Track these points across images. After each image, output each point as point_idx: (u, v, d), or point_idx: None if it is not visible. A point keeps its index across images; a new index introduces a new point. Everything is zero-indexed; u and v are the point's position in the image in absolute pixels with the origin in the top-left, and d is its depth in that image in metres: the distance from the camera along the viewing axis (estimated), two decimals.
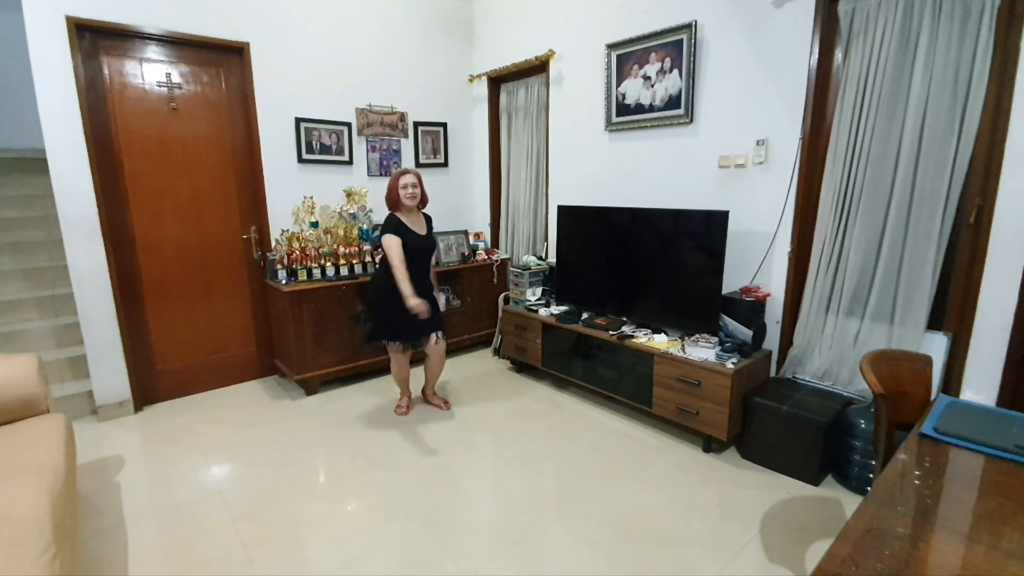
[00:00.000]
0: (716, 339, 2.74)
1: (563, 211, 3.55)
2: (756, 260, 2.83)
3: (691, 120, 2.99)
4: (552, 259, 3.90)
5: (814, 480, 2.35)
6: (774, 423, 2.43)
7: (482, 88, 4.46)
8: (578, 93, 3.64)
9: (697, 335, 2.80)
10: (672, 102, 3.06)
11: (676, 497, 2.30)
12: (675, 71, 3.01)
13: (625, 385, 2.98)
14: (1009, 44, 2.01)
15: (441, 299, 2.92)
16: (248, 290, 3.62)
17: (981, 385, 2.19)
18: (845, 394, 2.53)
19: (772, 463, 2.48)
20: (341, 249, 3.51)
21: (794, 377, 2.73)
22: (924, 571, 0.95)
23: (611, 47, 3.31)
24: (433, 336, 2.96)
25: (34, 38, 2.70)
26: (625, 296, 3.24)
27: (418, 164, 4.30)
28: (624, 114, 3.34)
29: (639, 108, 3.25)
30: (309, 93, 3.65)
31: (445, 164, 4.52)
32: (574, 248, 3.54)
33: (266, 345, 3.73)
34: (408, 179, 2.83)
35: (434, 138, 4.41)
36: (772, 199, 2.72)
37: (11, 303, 3.32)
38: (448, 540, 2.04)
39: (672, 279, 2.97)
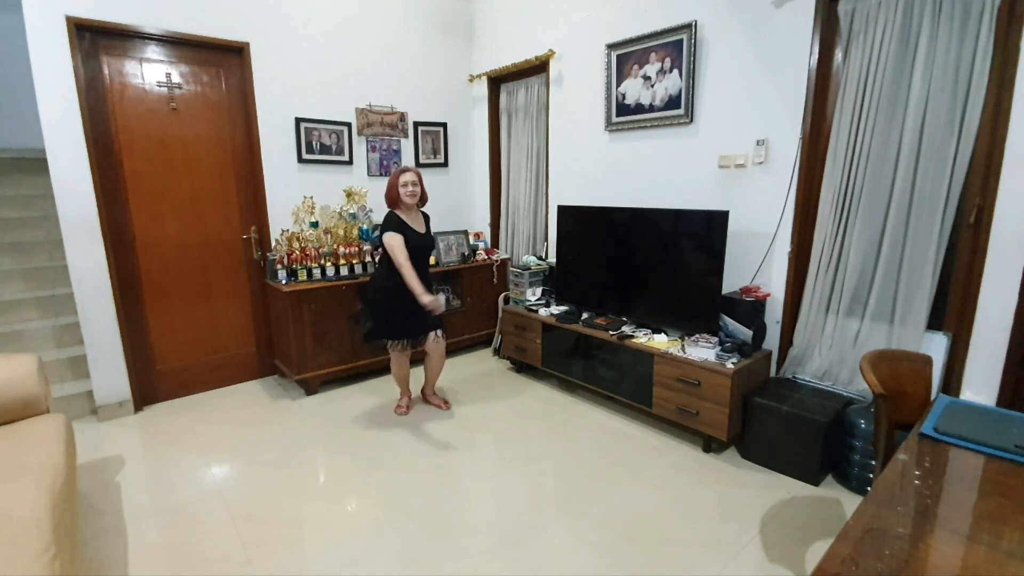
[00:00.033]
0: (716, 339, 2.74)
1: (563, 211, 3.55)
2: (756, 260, 2.83)
3: (691, 120, 2.99)
4: (552, 259, 3.90)
5: (814, 480, 2.35)
6: (774, 423, 2.43)
7: (482, 88, 4.46)
8: (578, 93, 3.64)
9: (697, 335, 2.80)
10: (672, 102, 3.06)
11: (676, 497, 2.30)
12: (675, 71, 3.01)
13: (625, 385, 2.98)
14: (1009, 44, 2.01)
15: (441, 299, 2.91)
16: (248, 290, 3.62)
17: (981, 385, 2.19)
18: (845, 394, 2.53)
19: (772, 463, 2.48)
20: (341, 249, 3.51)
21: (794, 377, 2.73)
22: (924, 571, 0.95)
23: (611, 47, 3.31)
24: (432, 335, 2.97)
25: (34, 38, 2.70)
26: (625, 296, 3.24)
27: (418, 164, 4.30)
28: (624, 114, 3.34)
29: (639, 108, 3.25)
30: (309, 93, 3.65)
31: (445, 164, 4.52)
32: (574, 248, 3.54)
33: (266, 345, 3.73)
34: (408, 177, 2.83)
35: (434, 138, 4.41)
36: (772, 199, 2.72)
37: (11, 303, 3.32)
38: (448, 540, 2.04)
39: (672, 279, 2.97)
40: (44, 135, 2.78)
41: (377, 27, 3.93)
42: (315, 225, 3.58)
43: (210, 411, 3.23)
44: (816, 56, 2.48)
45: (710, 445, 2.67)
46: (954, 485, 1.23)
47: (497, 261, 4.27)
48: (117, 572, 1.88)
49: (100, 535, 2.08)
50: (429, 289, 2.90)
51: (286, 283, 3.30)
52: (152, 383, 3.32)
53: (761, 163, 2.73)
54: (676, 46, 2.98)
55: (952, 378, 2.28)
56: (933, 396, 1.74)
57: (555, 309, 3.59)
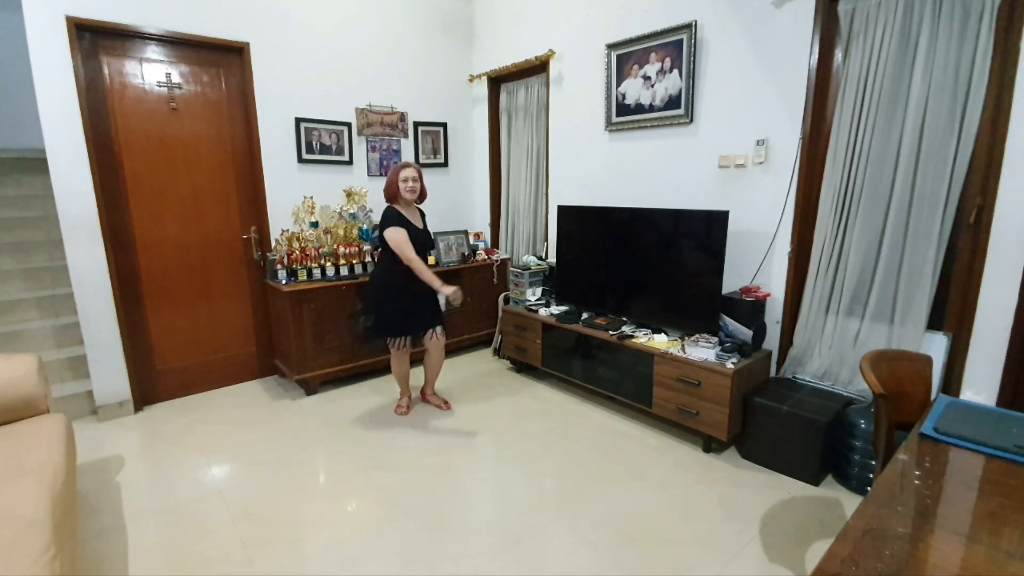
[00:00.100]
0: (716, 339, 2.74)
1: (563, 211, 3.55)
2: (756, 260, 2.83)
3: (691, 120, 2.99)
4: (552, 259, 3.90)
5: (814, 480, 2.35)
6: (774, 423, 2.43)
7: (482, 88, 4.46)
8: (578, 93, 3.64)
9: (697, 335, 2.80)
10: (672, 102, 3.06)
11: (676, 497, 2.30)
12: (675, 71, 3.01)
13: (625, 385, 2.98)
14: (1009, 44, 2.01)
15: (441, 299, 2.92)
16: (248, 290, 3.62)
17: (981, 385, 2.19)
18: (845, 394, 2.53)
19: (772, 463, 2.48)
20: (341, 249, 3.51)
21: (794, 377, 2.73)
22: (924, 571, 0.95)
23: (611, 47, 3.31)
24: (432, 332, 2.98)
25: (34, 38, 2.70)
26: (625, 296, 3.24)
27: (418, 164, 4.30)
28: (624, 114, 3.34)
29: (639, 108, 3.25)
30: (309, 93, 3.65)
31: (445, 164, 4.52)
32: (574, 248, 3.54)
33: (266, 345, 3.73)
34: (409, 172, 2.83)
35: (434, 138, 4.41)
36: (772, 199, 2.72)
37: (11, 303, 3.32)
38: (448, 540, 2.04)
39: (672, 279, 2.97)
40: (44, 135, 2.78)
41: (377, 27, 3.93)
42: (315, 225, 3.58)
43: (210, 411, 3.23)
44: (816, 56, 2.48)
45: (710, 445, 2.67)
46: (954, 485, 1.23)
47: (497, 261, 4.27)
48: (117, 572, 1.88)
49: (100, 535, 2.08)
50: (428, 285, 2.90)
51: (286, 283, 3.30)
52: (152, 383, 3.32)
53: (761, 163, 2.73)
54: (676, 46, 2.98)
55: (952, 378, 2.28)
56: (933, 396, 1.74)
57: (555, 309, 3.59)
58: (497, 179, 4.60)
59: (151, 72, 3.11)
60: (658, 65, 3.09)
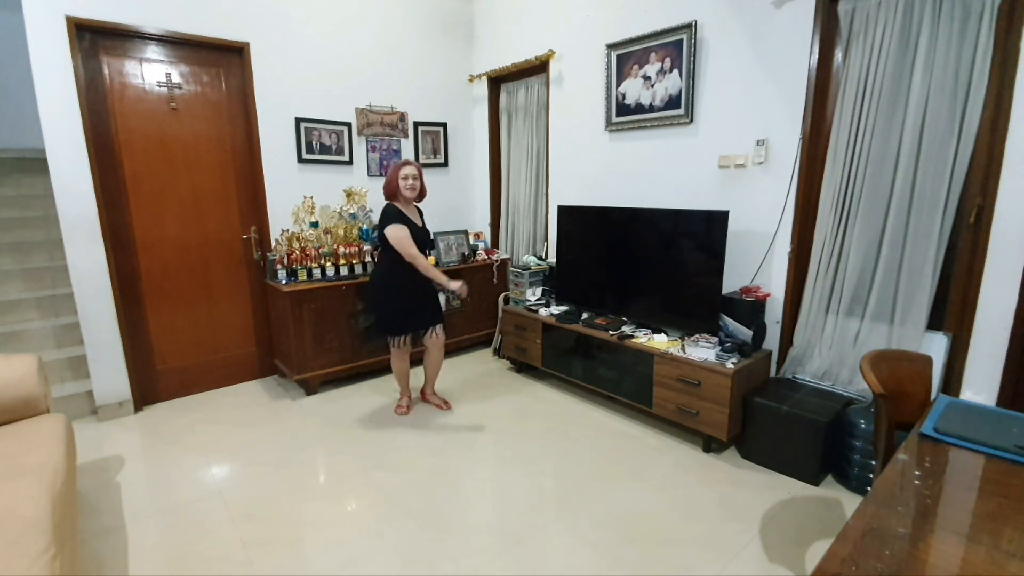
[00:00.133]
0: (716, 339, 2.74)
1: (563, 211, 3.55)
2: (756, 260, 2.83)
3: (691, 120, 2.99)
4: (552, 259, 3.90)
5: (814, 480, 2.35)
6: (774, 423, 2.43)
7: (482, 88, 4.46)
8: (578, 93, 3.64)
9: (697, 335, 2.80)
10: (672, 102, 3.06)
11: (676, 497, 2.30)
12: (675, 71, 3.01)
13: (625, 385, 2.98)
14: (1009, 44, 2.01)
15: (441, 299, 2.92)
16: (248, 290, 3.62)
17: (981, 385, 2.19)
18: (845, 394, 2.53)
19: (772, 463, 2.48)
20: (341, 249, 3.51)
21: (794, 377, 2.73)
22: (924, 571, 0.95)
23: (611, 47, 3.31)
24: (431, 331, 2.99)
25: (34, 38, 2.70)
26: (625, 296, 3.24)
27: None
28: (624, 114, 3.34)
29: (639, 108, 3.25)
30: (309, 93, 3.65)
31: (445, 164, 4.52)
32: (574, 248, 3.54)
33: (266, 345, 3.73)
34: (409, 170, 2.83)
35: (434, 138, 4.41)
36: (772, 199, 2.72)
37: (11, 303, 3.32)
38: (448, 540, 2.04)
39: (672, 279, 2.97)
40: (44, 135, 2.78)
41: (377, 27, 3.93)
42: (315, 225, 3.58)
43: (210, 411, 3.23)
44: (816, 56, 2.48)
45: (710, 445, 2.67)
46: (954, 485, 1.23)
47: (497, 261, 4.27)
48: (117, 572, 1.88)
49: (100, 535, 2.08)
50: (428, 284, 2.91)
51: (286, 283, 3.30)
52: (152, 383, 3.32)
53: (761, 163, 2.73)
54: (676, 46, 2.98)
55: (952, 378, 2.28)
56: (933, 396, 1.74)
57: (555, 309, 3.59)
58: (497, 179, 4.60)
59: (151, 72, 3.11)
60: (658, 65, 3.09)
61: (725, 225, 2.64)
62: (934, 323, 2.32)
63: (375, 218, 3.72)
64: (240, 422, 3.08)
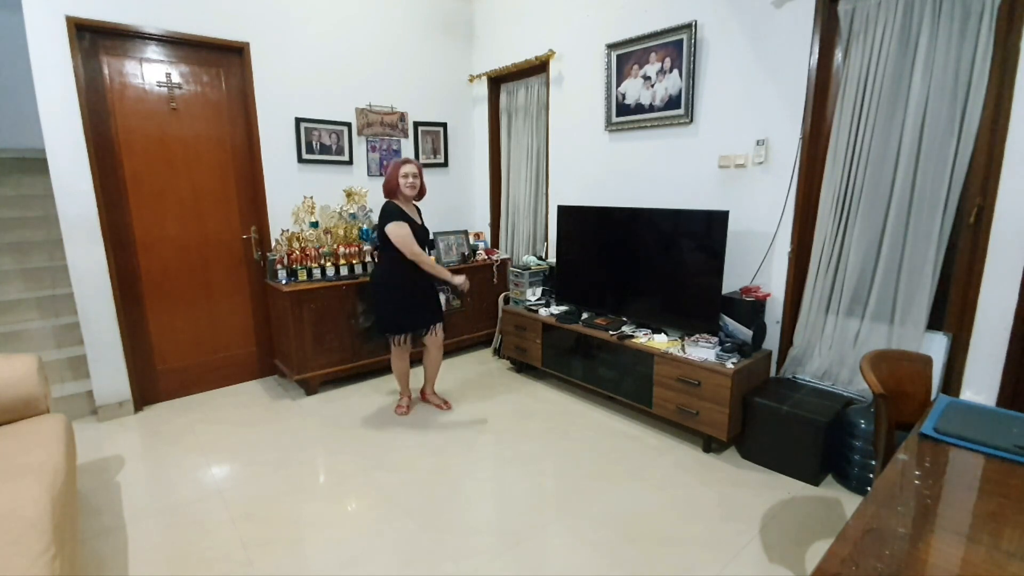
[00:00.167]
0: (716, 339, 2.74)
1: (563, 211, 3.55)
2: (756, 260, 2.83)
3: (691, 120, 2.99)
4: (552, 259, 3.90)
5: (814, 480, 2.35)
6: (774, 423, 2.43)
7: (482, 88, 4.46)
8: (578, 93, 3.64)
9: (697, 335, 2.80)
10: (672, 102, 3.06)
11: (676, 497, 2.30)
12: (675, 71, 3.01)
13: (625, 385, 2.98)
14: (1009, 44, 2.01)
15: (442, 298, 2.92)
16: (248, 290, 3.62)
17: (981, 385, 2.19)
18: (845, 394, 2.53)
19: (772, 463, 2.48)
20: (341, 249, 3.51)
21: (794, 377, 2.73)
22: (924, 571, 0.95)
23: (611, 47, 3.31)
24: (432, 329, 3.01)
25: (34, 38, 2.70)
26: (625, 296, 3.24)
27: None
28: (624, 114, 3.34)
29: (639, 108, 3.24)
30: (309, 93, 3.65)
31: (445, 164, 4.52)
32: (574, 248, 3.54)
33: (266, 345, 3.73)
34: (409, 168, 2.82)
35: (434, 138, 4.41)
36: (772, 199, 2.72)
37: (11, 303, 3.32)
38: (448, 540, 2.04)
39: (672, 279, 2.97)
40: (44, 135, 2.77)
41: (377, 27, 3.93)
42: (315, 225, 3.58)
43: (210, 411, 3.23)
44: (816, 56, 2.48)
45: (710, 445, 2.67)
46: (954, 485, 1.23)
47: (497, 261, 4.27)
48: (117, 572, 1.88)
49: (100, 535, 2.08)
50: (428, 283, 2.91)
51: (286, 283, 3.30)
52: (152, 383, 3.32)
53: (761, 163, 2.73)
54: (676, 46, 2.98)
55: (952, 378, 2.28)
56: (933, 396, 1.74)
57: (555, 309, 3.59)
58: (497, 179, 4.60)
59: (151, 72, 3.11)
60: (658, 65, 3.09)
61: (725, 225, 2.64)
62: (934, 323, 2.32)
63: (375, 218, 3.72)
64: (240, 422, 3.08)
